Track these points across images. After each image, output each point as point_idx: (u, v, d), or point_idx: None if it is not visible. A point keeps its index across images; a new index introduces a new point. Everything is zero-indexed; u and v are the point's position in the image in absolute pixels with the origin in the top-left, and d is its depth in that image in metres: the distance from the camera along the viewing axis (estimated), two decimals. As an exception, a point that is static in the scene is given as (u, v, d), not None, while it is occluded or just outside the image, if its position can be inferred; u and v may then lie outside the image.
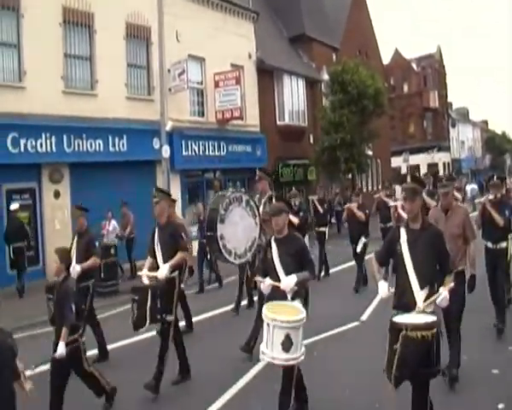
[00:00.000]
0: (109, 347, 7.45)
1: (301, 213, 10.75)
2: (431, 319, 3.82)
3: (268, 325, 4.24)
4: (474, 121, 71.37)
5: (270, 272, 4.89)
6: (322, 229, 13.52)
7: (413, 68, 51.95)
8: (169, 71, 16.73)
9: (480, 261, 6.67)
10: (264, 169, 8.74)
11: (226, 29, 19.82)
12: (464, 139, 62.76)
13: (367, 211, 11.67)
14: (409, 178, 4.61)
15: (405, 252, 4.18)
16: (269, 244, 5.02)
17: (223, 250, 7.65)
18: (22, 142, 13.18)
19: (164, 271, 5.93)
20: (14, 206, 12.56)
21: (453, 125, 57.64)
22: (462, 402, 4.96)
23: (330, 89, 24.19)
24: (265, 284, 4.82)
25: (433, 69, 52.58)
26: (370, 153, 27.98)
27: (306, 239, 10.53)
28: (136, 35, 16.64)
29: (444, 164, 52.64)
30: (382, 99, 24.61)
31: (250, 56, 21.45)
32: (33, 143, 13.42)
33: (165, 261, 6.04)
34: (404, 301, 4.12)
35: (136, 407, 5.70)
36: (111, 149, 15.28)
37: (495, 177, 7.75)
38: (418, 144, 48.09)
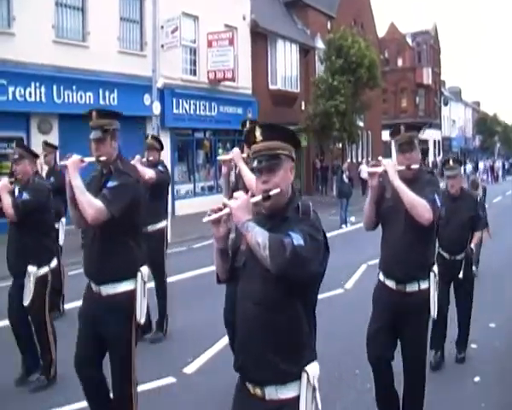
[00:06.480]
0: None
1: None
2: None
3: None
4: (467, 101, 71.45)
5: None
6: None
7: (408, 43, 51.63)
8: (162, 27, 16.49)
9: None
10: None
11: (221, -12, 19.51)
12: (456, 118, 62.93)
13: None
14: None
15: None
16: None
17: None
18: (10, 89, 12.99)
19: None
20: None
21: (445, 104, 57.69)
22: (439, 376, 5.05)
23: (326, 55, 24.03)
24: None
25: (428, 45, 52.31)
26: (362, 124, 27.97)
27: None
28: (130, -12, 16.39)
29: (434, 141, 52.79)
30: (375, 71, 24.54)
31: (244, 18, 21.19)
32: (22, 91, 13.23)
33: None
34: None
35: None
36: (101, 102, 15.10)
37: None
38: (409, 119, 48.01)
